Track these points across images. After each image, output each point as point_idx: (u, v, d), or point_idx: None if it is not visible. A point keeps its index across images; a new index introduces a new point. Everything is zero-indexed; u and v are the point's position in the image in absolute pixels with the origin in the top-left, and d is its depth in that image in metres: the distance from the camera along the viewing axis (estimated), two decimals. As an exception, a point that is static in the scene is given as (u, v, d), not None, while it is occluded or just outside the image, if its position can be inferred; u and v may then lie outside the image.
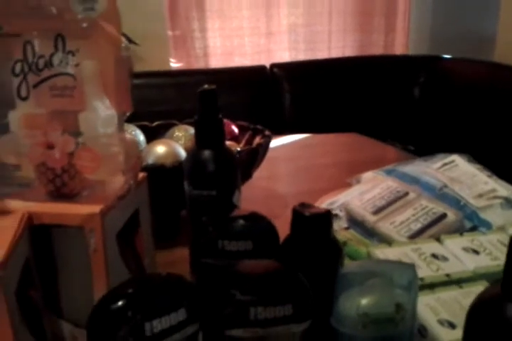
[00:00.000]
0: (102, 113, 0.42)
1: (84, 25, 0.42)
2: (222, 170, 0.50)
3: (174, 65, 2.19)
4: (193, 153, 0.51)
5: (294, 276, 0.36)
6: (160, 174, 0.65)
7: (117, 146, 0.41)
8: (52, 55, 0.43)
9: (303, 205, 0.45)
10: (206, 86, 0.51)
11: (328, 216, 0.43)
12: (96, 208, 0.40)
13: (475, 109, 1.78)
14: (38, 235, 0.41)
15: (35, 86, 0.43)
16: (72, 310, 0.43)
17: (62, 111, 0.43)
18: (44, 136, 0.41)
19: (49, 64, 0.43)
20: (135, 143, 0.44)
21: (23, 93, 0.44)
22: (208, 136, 0.50)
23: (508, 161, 1.55)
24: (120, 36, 0.44)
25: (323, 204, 0.79)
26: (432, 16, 2.37)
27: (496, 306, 0.27)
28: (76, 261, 0.42)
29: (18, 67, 0.44)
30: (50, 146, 0.41)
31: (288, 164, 1.14)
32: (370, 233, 0.68)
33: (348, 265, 0.42)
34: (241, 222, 0.44)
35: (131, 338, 0.31)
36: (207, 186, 0.49)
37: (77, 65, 0.42)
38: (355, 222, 0.71)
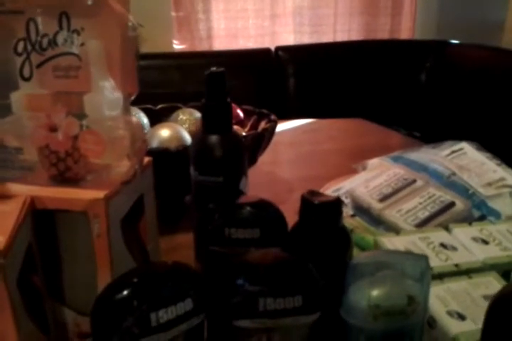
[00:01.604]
0: (107, 95, 0.40)
1: (90, 2, 0.40)
2: (229, 156, 0.49)
3: (177, 46, 2.16)
4: (200, 138, 0.50)
5: (304, 267, 0.35)
6: (164, 158, 0.64)
7: (123, 129, 0.40)
8: (56, 34, 0.41)
9: (312, 193, 0.43)
10: (214, 68, 0.50)
11: (337, 204, 0.42)
12: (100, 193, 0.39)
13: (482, 94, 1.76)
14: (41, 220, 0.40)
15: (38, 66, 0.42)
16: (76, 297, 0.42)
17: (67, 92, 0.42)
18: (47, 118, 0.40)
19: (53, 43, 0.41)
20: (141, 127, 0.43)
21: (26, 73, 0.42)
22: (216, 120, 0.49)
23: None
24: (128, 15, 0.42)
25: (329, 190, 0.78)
26: (439, 1, 2.33)
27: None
28: (80, 246, 0.41)
29: (20, 46, 0.42)
30: (54, 129, 0.40)
31: (292, 149, 1.13)
32: (377, 221, 0.67)
33: (358, 255, 0.41)
34: (248, 209, 0.43)
35: (137, 329, 0.31)
36: (213, 172, 0.48)
37: (82, 45, 0.41)
38: (361, 210, 0.70)
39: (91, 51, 0.40)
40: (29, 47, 0.41)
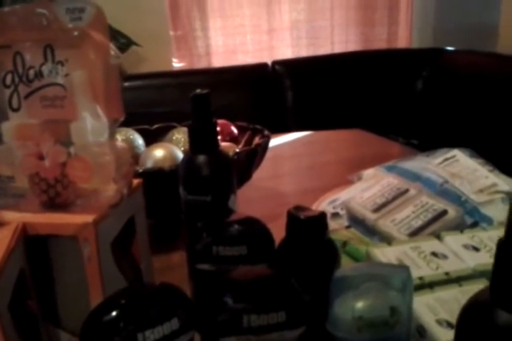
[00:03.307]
0: (92, 122, 0.42)
1: (73, 34, 0.42)
2: (216, 176, 0.50)
3: (177, 64, 2.19)
4: (187, 158, 0.51)
5: (287, 282, 0.36)
6: (158, 178, 0.65)
7: (108, 155, 0.41)
8: (41, 66, 0.43)
9: (298, 208, 0.44)
10: (199, 90, 0.51)
11: (322, 218, 0.43)
12: (89, 217, 0.40)
13: (479, 101, 1.76)
14: (34, 245, 0.41)
15: (26, 97, 0.44)
16: (70, 320, 0.43)
17: (54, 121, 0.43)
18: (36, 147, 0.42)
19: (39, 74, 0.43)
20: (127, 151, 0.44)
21: (15, 104, 0.44)
22: (202, 140, 0.50)
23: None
24: (109, 44, 0.44)
25: (324, 202, 0.79)
26: (435, 9, 2.35)
27: (485, 312, 0.26)
28: (72, 270, 0.42)
29: (8, 79, 0.44)
30: (42, 157, 0.41)
31: (290, 162, 1.14)
32: (371, 231, 0.68)
33: (343, 268, 0.41)
34: (235, 226, 0.44)
35: (124, 349, 0.32)
36: (202, 191, 0.49)
37: (66, 75, 0.42)
38: (356, 221, 0.71)
39: (75, 81, 0.42)
40: (16, 80, 0.43)
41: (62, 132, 0.42)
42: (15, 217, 0.41)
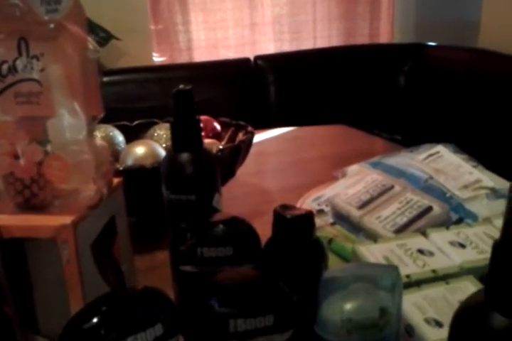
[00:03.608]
0: (70, 119, 0.40)
1: (48, 27, 0.40)
2: (200, 174, 0.49)
3: (157, 59, 2.16)
4: (170, 157, 0.50)
5: (274, 285, 0.35)
6: (139, 175, 0.63)
7: (87, 153, 0.40)
8: (15, 60, 0.41)
9: (284, 207, 0.43)
10: (182, 86, 0.50)
11: (309, 218, 0.42)
12: (67, 219, 0.38)
13: (461, 96, 1.78)
14: (10, 249, 0.40)
15: (-1, 93, 0.42)
16: (49, 325, 0.41)
17: (30, 119, 0.41)
18: (11, 145, 0.40)
19: (13, 69, 0.41)
20: (106, 149, 0.43)
21: (-13, 101, 0.42)
22: (185, 138, 0.49)
23: (495, 149, 1.55)
24: (87, 38, 0.42)
25: (309, 199, 0.78)
26: (417, 4, 2.36)
27: (480, 315, 0.26)
28: (50, 273, 0.40)
29: (-20, 74, 0.42)
30: (18, 156, 0.40)
31: (274, 158, 1.13)
32: (356, 228, 0.67)
33: (331, 269, 0.41)
34: (220, 227, 0.43)
35: (105, 357, 0.30)
36: (185, 191, 0.48)
37: (42, 70, 0.41)
38: (341, 217, 0.70)
39: (51, 76, 0.40)
40: (-11, 75, 0.41)
41: (38, 130, 0.41)
42: (-11, 219, 0.39)
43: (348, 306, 0.36)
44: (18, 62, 0.41)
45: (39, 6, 0.40)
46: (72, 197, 0.41)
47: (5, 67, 0.41)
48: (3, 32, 0.41)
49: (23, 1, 0.40)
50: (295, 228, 0.42)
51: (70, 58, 0.40)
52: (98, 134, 0.72)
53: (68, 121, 0.40)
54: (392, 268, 0.39)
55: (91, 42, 0.43)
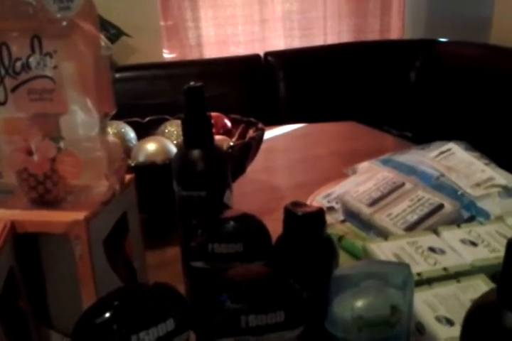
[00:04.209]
0: (82, 116, 0.40)
1: (61, 25, 0.40)
2: (211, 171, 0.49)
3: (167, 55, 2.17)
4: (181, 153, 0.50)
5: (285, 282, 0.35)
6: (151, 172, 0.64)
7: (100, 150, 0.40)
8: (29, 57, 0.41)
9: (295, 204, 0.43)
10: (192, 83, 0.50)
11: (320, 215, 0.42)
12: (80, 215, 0.39)
13: (472, 93, 1.76)
14: (24, 244, 0.40)
15: (13, 90, 0.42)
16: (61, 320, 0.42)
17: (43, 115, 0.42)
18: (24, 142, 0.40)
19: (26, 66, 0.41)
20: (118, 146, 0.43)
21: (1, 97, 0.42)
22: (196, 135, 0.49)
23: (508, 147, 1.54)
24: (99, 35, 0.42)
25: (319, 196, 0.78)
26: (427, 0, 2.34)
27: (492, 313, 0.26)
28: (63, 268, 0.41)
29: (-6, 71, 0.42)
30: (31, 152, 0.40)
31: (284, 155, 1.13)
32: (367, 225, 0.67)
33: (342, 266, 0.41)
34: (231, 223, 0.43)
35: (118, 352, 0.30)
36: (196, 187, 0.48)
37: (55, 67, 0.41)
38: (351, 215, 0.70)
39: (64, 73, 0.40)
40: (3, 72, 0.42)
41: (51, 126, 0.41)
42: (3, 215, 0.40)
43: (359, 303, 0.36)
44: (31, 59, 0.41)
45: (52, 4, 0.40)
46: (84, 193, 0.41)
47: (18, 64, 0.41)
48: (16, 30, 0.42)
49: (37, -2, 0.41)
50: (306, 225, 0.42)
51: (83, 55, 0.40)
52: (110, 130, 0.73)
53: (81, 117, 0.40)
54: (404, 266, 0.39)
55: (103, 40, 0.43)
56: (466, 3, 2.27)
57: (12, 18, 0.41)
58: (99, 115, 0.41)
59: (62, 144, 0.40)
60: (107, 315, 0.31)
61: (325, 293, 0.38)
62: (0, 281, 0.36)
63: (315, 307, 0.37)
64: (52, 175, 0.40)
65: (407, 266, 0.38)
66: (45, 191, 0.41)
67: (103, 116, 0.41)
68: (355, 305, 0.36)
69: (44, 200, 0.41)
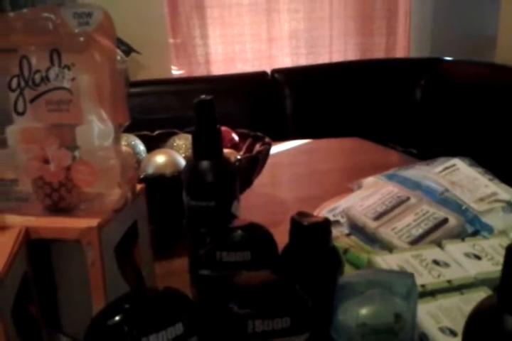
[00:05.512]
0: (98, 126, 0.42)
1: (79, 39, 0.42)
2: (220, 182, 0.50)
3: (176, 72, 2.20)
4: (191, 164, 0.51)
5: (291, 288, 0.36)
6: (160, 184, 0.65)
7: (114, 159, 0.41)
8: (48, 70, 0.43)
9: (301, 214, 0.44)
10: (203, 96, 0.51)
11: (326, 225, 0.43)
12: (93, 222, 0.40)
13: (477, 110, 1.77)
14: (37, 249, 0.41)
15: (32, 100, 0.44)
16: (72, 325, 0.43)
17: (59, 125, 0.43)
18: (41, 151, 0.42)
19: (45, 78, 0.43)
20: (131, 156, 0.44)
21: (20, 108, 0.44)
22: (206, 147, 0.50)
23: (511, 163, 1.55)
24: (115, 49, 0.44)
25: (324, 210, 0.79)
26: (433, 18, 2.37)
27: (493, 318, 0.26)
28: (74, 274, 0.42)
29: (14, 82, 0.44)
30: (47, 160, 0.41)
31: (289, 170, 1.14)
32: (372, 239, 0.68)
33: (347, 275, 0.41)
34: (239, 232, 0.44)
35: (128, 353, 0.31)
36: (205, 197, 0.49)
37: (73, 79, 0.43)
38: (357, 228, 0.71)
39: (81, 85, 0.42)
40: (22, 83, 0.43)
41: (67, 136, 0.42)
42: (18, 221, 0.41)
43: (363, 311, 0.37)
44: (50, 71, 0.43)
45: (71, 19, 0.42)
46: (97, 201, 0.42)
47: (38, 76, 0.43)
48: (36, 44, 0.43)
49: (56, 14, 0.42)
50: (312, 235, 0.43)
51: (99, 68, 0.42)
52: (120, 143, 0.74)
53: (96, 128, 0.42)
54: (408, 276, 0.39)
55: (118, 53, 0.45)
56: (471, 22, 2.30)
57: (33, 33, 0.43)
58: (113, 125, 0.42)
59: (77, 153, 0.42)
60: (118, 317, 0.32)
61: (330, 300, 0.38)
62: (15, 286, 0.37)
63: (320, 314, 0.37)
64: (67, 183, 0.41)
65: (411, 275, 0.39)
66: (59, 198, 0.42)
67: (117, 126, 0.43)
68: (359, 312, 0.37)
69: (58, 207, 0.42)
